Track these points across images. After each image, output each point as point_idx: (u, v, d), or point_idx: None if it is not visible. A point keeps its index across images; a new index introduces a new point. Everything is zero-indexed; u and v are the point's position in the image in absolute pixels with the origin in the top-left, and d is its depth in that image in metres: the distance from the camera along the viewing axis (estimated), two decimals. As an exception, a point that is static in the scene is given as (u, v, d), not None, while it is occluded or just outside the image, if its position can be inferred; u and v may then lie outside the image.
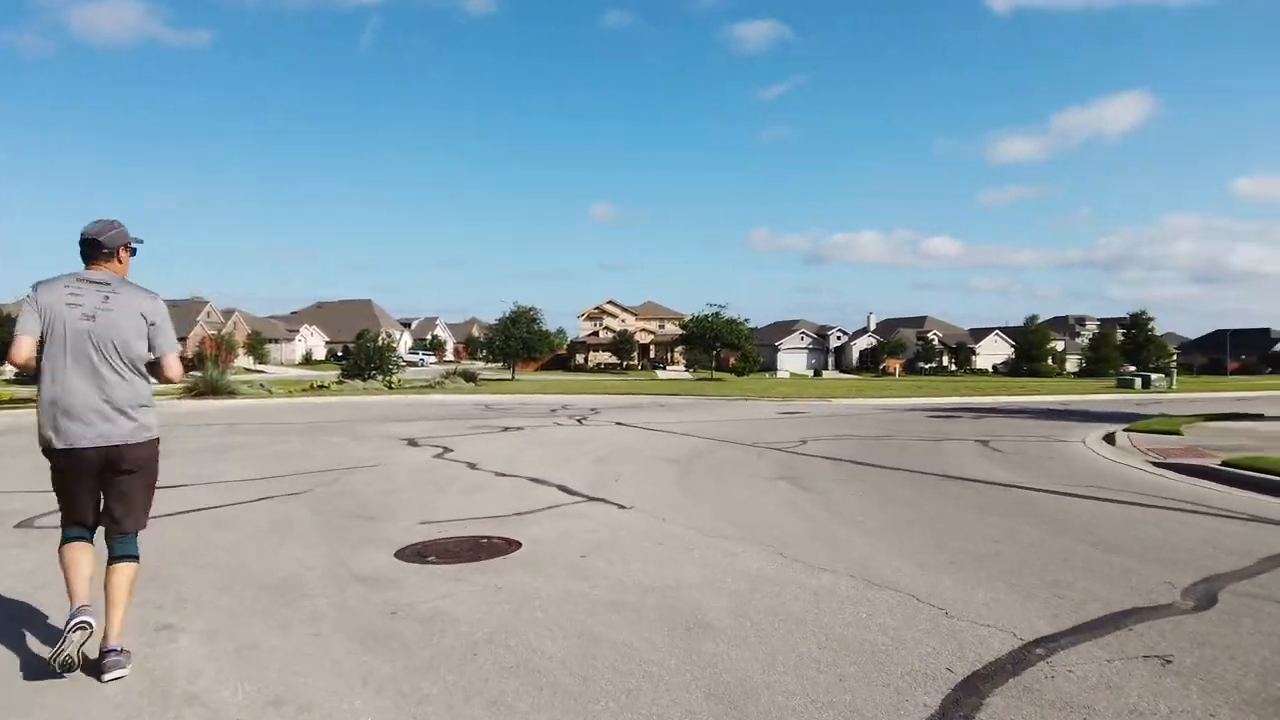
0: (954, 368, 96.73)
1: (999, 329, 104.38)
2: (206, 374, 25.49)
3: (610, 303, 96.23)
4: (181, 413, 20.58)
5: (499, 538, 6.27)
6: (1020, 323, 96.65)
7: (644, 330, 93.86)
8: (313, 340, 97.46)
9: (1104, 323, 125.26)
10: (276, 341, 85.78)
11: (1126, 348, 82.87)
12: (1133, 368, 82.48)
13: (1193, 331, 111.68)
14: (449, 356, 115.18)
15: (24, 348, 3.34)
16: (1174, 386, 36.77)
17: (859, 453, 12.43)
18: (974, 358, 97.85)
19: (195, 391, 24.95)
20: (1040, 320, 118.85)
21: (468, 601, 4.60)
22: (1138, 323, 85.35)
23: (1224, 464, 10.37)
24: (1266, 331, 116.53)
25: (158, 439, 3.64)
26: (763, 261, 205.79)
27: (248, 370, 62.73)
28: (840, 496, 8.41)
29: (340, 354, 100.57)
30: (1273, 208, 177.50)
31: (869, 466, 10.87)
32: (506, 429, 16.26)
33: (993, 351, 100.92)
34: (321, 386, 29.05)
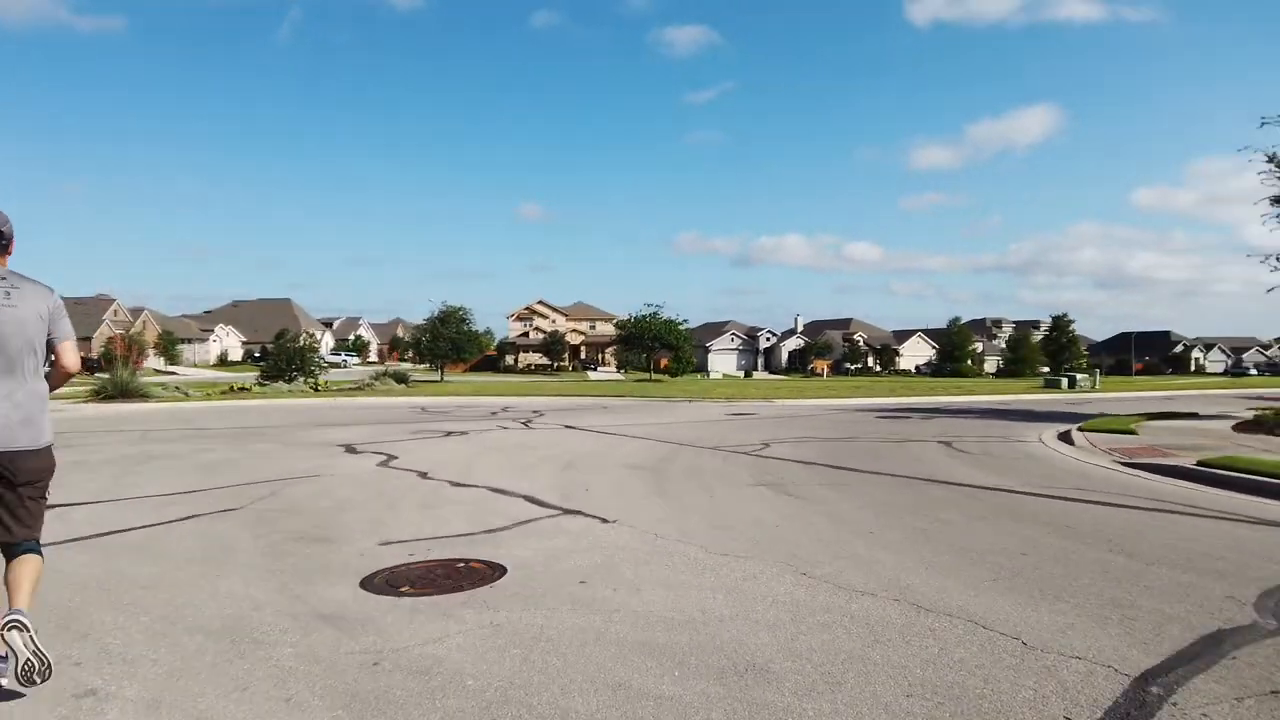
0: (878, 368, 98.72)
1: (921, 331, 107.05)
2: (115, 375, 23.63)
3: (540, 303, 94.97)
4: (88, 417, 18.92)
5: (477, 560, 5.48)
6: (939, 325, 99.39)
7: (575, 331, 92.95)
8: (228, 340, 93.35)
9: (1018, 325, 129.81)
10: (189, 342, 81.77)
11: (1049, 349, 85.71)
12: (1047, 369, 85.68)
13: (1097, 334, 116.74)
14: (373, 358, 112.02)
15: None
16: (1097, 386, 37.86)
17: (829, 455, 11.96)
18: (898, 359, 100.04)
19: (103, 394, 23.11)
20: (961, 323, 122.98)
21: (465, 646, 3.82)
22: (1059, 325, 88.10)
23: (1200, 464, 10.22)
24: (1167, 334, 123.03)
25: (51, 446, 3.37)
26: (690, 263, 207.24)
27: (158, 372, 59.46)
28: (835, 504, 7.85)
29: (258, 355, 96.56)
30: (1167, 217, 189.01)
31: (847, 470, 10.38)
32: (450, 433, 15.30)
33: (915, 353, 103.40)
34: (242, 389, 27.34)
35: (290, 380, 51.10)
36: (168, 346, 73.52)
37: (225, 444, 13.31)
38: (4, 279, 3.22)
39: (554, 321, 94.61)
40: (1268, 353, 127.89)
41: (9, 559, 3.25)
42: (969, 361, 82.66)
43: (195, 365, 77.08)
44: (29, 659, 2.96)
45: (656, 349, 48.98)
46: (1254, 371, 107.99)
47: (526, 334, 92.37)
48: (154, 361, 73.37)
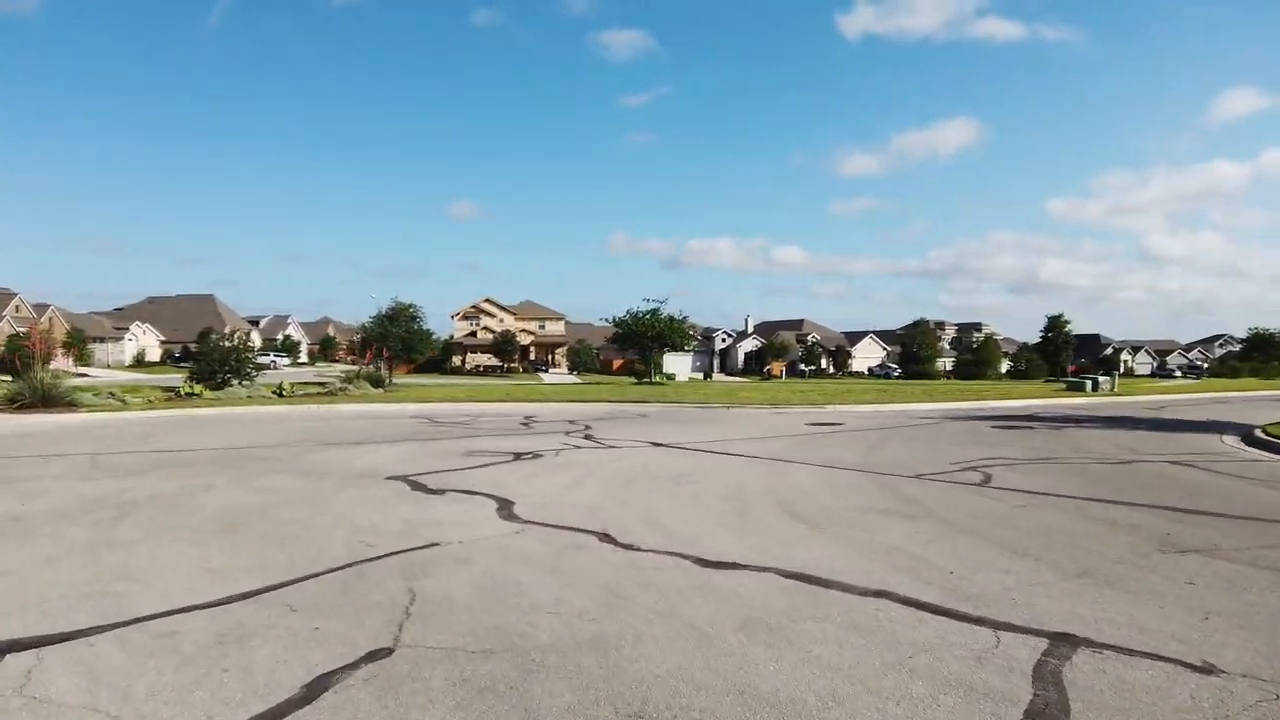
0: (832, 370, 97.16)
1: (874, 332, 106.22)
2: (34, 379, 18.88)
3: (488, 301, 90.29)
4: (7, 434, 14.39)
5: None
6: (886, 328, 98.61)
7: (524, 331, 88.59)
8: (145, 339, 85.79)
9: (960, 328, 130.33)
10: (102, 341, 74.38)
11: (1046, 350, 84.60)
12: (1005, 370, 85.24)
13: (1019, 337, 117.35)
14: (303, 358, 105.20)
15: None
16: (1115, 389, 36.01)
17: (1102, 488, 8.75)
18: (850, 360, 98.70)
19: (19, 403, 18.38)
20: (901, 326, 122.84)
21: None
22: (1056, 326, 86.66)
23: None
24: (1097, 337, 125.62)
25: None
26: (622, 264, 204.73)
27: (66, 374, 52.97)
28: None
29: (179, 355, 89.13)
30: (1077, 227, 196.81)
31: (1188, 514, 7.11)
32: (519, 455, 11.64)
33: (868, 354, 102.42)
34: (190, 393, 22.74)
35: (223, 384, 45.81)
36: (78, 346, 66.36)
37: (223, 477, 9.37)
38: None
39: (501, 321, 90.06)
40: (1189, 355, 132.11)
41: None
42: (935, 363, 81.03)
43: (109, 366, 69.97)
44: None
45: (656, 349, 44.99)
46: (1179, 374, 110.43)
47: (474, 333, 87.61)
48: (62, 362, 66.16)
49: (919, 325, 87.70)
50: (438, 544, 6.05)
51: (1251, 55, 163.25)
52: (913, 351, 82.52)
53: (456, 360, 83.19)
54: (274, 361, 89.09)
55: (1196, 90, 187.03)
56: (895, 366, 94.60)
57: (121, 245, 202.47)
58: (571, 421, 18.00)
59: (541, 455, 11.66)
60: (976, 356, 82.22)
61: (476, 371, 78.70)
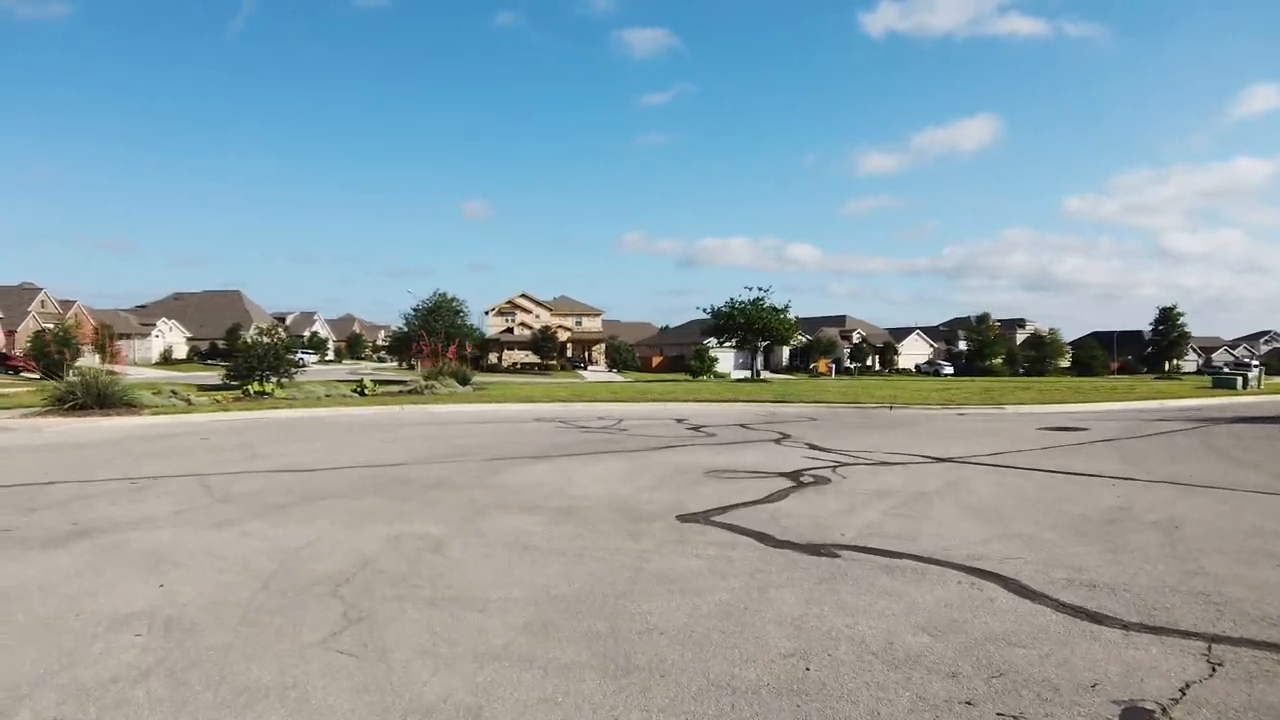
0: (878, 367, 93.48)
1: (919, 329, 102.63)
2: (90, 378, 15.76)
3: (524, 296, 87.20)
4: (69, 443, 11.25)
5: None
6: (930, 324, 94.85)
7: (561, 327, 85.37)
8: (172, 336, 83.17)
9: (1003, 324, 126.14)
10: (129, 337, 71.64)
11: (1159, 344, 78.66)
12: (1065, 365, 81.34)
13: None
14: (330, 356, 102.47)
15: None
16: (1262, 386, 32.43)
17: None
18: (896, 357, 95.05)
19: (71, 404, 15.25)
20: (943, 323, 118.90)
21: None
22: (1168, 319, 79.34)
23: None
24: (1140, 334, 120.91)
25: None
26: (635, 263, 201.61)
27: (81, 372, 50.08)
28: None
29: (206, 352, 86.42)
30: (1093, 224, 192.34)
31: None
32: (794, 478, 8.30)
33: (913, 351, 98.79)
34: (261, 393, 19.58)
35: (261, 381, 42.76)
36: (111, 340, 63.53)
37: (428, 521, 6.30)
38: None
39: (537, 316, 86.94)
40: (1234, 352, 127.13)
41: None
42: (999, 360, 76.99)
43: (136, 364, 67.21)
44: None
45: (758, 342, 40.97)
46: (1226, 370, 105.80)
47: (510, 329, 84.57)
48: (87, 360, 63.50)
49: (982, 320, 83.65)
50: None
51: (1273, 52, 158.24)
52: (973, 348, 78.32)
53: (493, 357, 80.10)
54: (302, 359, 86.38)
55: (1217, 87, 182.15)
56: (945, 363, 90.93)
57: (137, 244, 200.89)
58: (745, 426, 14.71)
59: (825, 479, 8.38)
60: (1039, 353, 78.22)
61: (514, 369, 75.55)
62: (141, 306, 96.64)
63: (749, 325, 39.88)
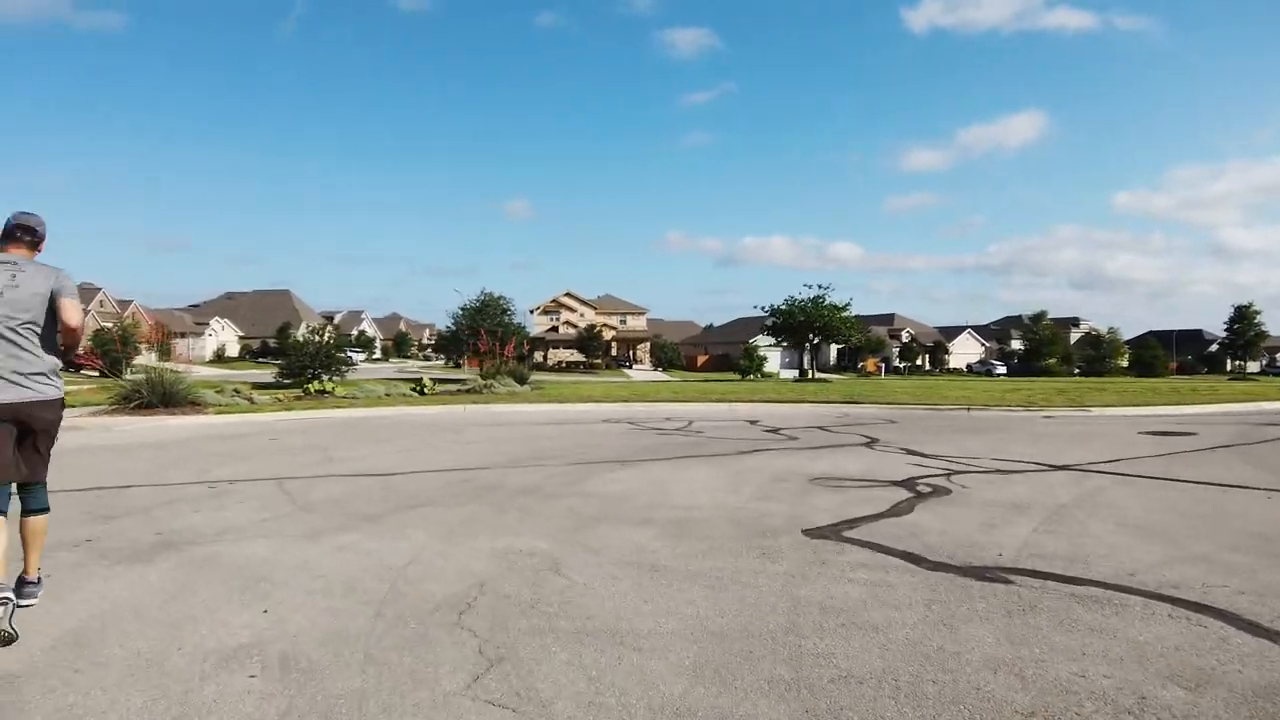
0: (928, 366, 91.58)
1: (970, 328, 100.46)
2: (155, 376, 15.61)
3: (568, 295, 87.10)
4: (137, 444, 10.98)
5: None
6: (980, 323, 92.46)
7: (606, 326, 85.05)
8: (224, 335, 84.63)
9: (1056, 323, 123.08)
10: (184, 336, 72.89)
11: (1234, 343, 75.31)
12: (1125, 366, 78.65)
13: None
14: (377, 354, 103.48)
15: None
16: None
17: None
18: (947, 356, 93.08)
19: (137, 402, 15.10)
20: (993, 321, 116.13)
21: None
22: (1245, 316, 74.82)
23: None
24: (1199, 333, 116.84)
25: (60, 401, 3.87)
26: (677, 261, 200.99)
27: (151, 369, 50.82)
28: None
29: (257, 350, 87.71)
30: (1145, 220, 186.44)
31: None
32: (910, 487, 7.65)
33: (965, 350, 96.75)
34: (322, 391, 19.36)
35: (313, 379, 42.93)
36: (163, 340, 64.69)
37: (535, 536, 5.73)
38: (15, 264, 3.70)
39: (582, 315, 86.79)
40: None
41: (24, 510, 3.81)
42: (1056, 359, 74.73)
43: (190, 362, 68.32)
44: (4, 630, 3.39)
45: (817, 341, 39.92)
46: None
47: (555, 328, 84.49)
48: (144, 358, 64.69)
49: (1038, 318, 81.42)
50: None
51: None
52: (1030, 347, 76.11)
53: (538, 356, 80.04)
54: (350, 358, 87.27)
55: (1277, 81, 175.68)
56: (998, 363, 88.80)
57: (189, 244, 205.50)
58: (823, 428, 14.03)
59: (944, 489, 7.70)
60: (1098, 352, 75.83)
61: (559, 367, 75.40)
62: (195, 306, 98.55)
63: (809, 324, 38.83)
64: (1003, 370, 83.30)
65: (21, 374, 3.68)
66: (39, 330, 3.73)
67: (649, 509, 6.68)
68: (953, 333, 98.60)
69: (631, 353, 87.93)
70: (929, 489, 7.70)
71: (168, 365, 16.94)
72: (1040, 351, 74.31)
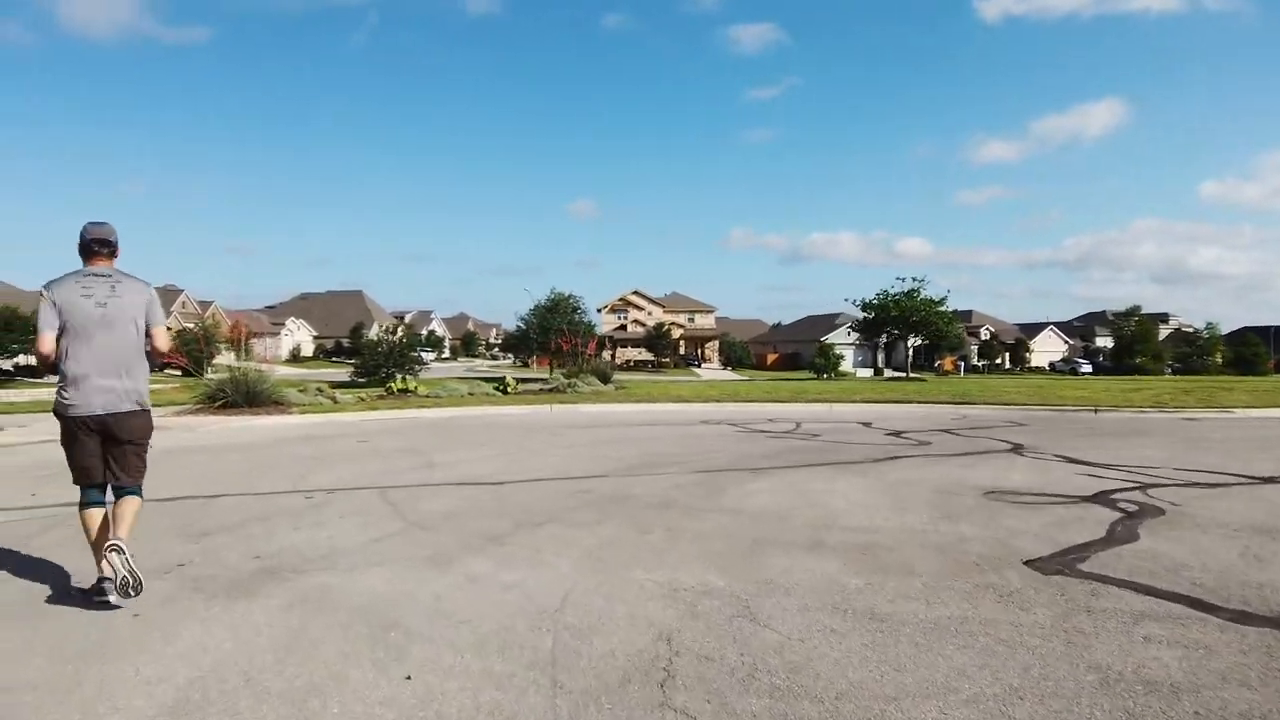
0: (1008, 365, 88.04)
1: (1052, 324, 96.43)
2: (240, 375, 15.14)
3: (636, 293, 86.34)
4: (223, 446, 10.35)
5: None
6: (1063, 319, 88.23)
7: (674, 324, 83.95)
8: (299, 335, 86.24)
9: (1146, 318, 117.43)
10: (261, 336, 74.42)
11: None
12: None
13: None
14: (446, 353, 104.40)
15: (46, 342, 3.81)
16: None
17: None
18: (1028, 355, 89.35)
19: (222, 401, 14.64)
20: (1076, 318, 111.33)
21: None
22: None
23: None
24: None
25: (149, 411, 4.08)
26: (740, 258, 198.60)
27: (230, 368, 51.67)
28: None
29: (331, 350, 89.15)
30: (1234, 211, 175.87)
31: None
32: (1132, 506, 6.42)
33: (1046, 348, 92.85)
34: (404, 390, 18.77)
35: (387, 378, 42.86)
36: (242, 341, 66.04)
37: (700, 558, 4.73)
38: (110, 276, 3.93)
39: (650, 314, 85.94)
40: None
41: (115, 499, 3.97)
42: (1151, 358, 70.80)
43: (267, 361, 69.65)
44: (125, 576, 3.65)
45: (910, 337, 37.98)
46: None
47: (623, 326, 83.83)
48: (224, 358, 66.14)
49: (1131, 313, 77.42)
50: None
51: None
52: (1121, 344, 72.33)
53: (605, 354, 79.49)
54: (421, 357, 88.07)
55: None
56: (1083, 361, 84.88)
57: (265, 247, 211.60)
58: (949, 431, 12.76)
59: (1155, 509, 6.46)
60: (1193, 349, 71.65)
61: (628, 366, 74.66)
62: (271, 307, 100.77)
63: (904, 318, 36.91)
64: (1088, 369, 79.50)
65: (116, 384, 3.93)
66: (135, 342, 3.99)
67: (816, 530, 5.62)
68: (1034, 330, 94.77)
69: (699, 351, 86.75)
70: (1134, 506, 6.48)
71: (250, 364, 16.47)
72: (1132, 349, 70.32)
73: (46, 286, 3.88)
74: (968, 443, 11.27)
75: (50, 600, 4.02)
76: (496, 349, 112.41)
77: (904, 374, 46.14)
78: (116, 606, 3.69)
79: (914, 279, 37.63)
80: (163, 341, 4.08)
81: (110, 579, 3.68)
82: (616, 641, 3.44)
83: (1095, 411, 16.51)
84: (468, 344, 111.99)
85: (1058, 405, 17.56)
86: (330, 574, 4.49)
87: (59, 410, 3.92)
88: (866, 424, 14.08)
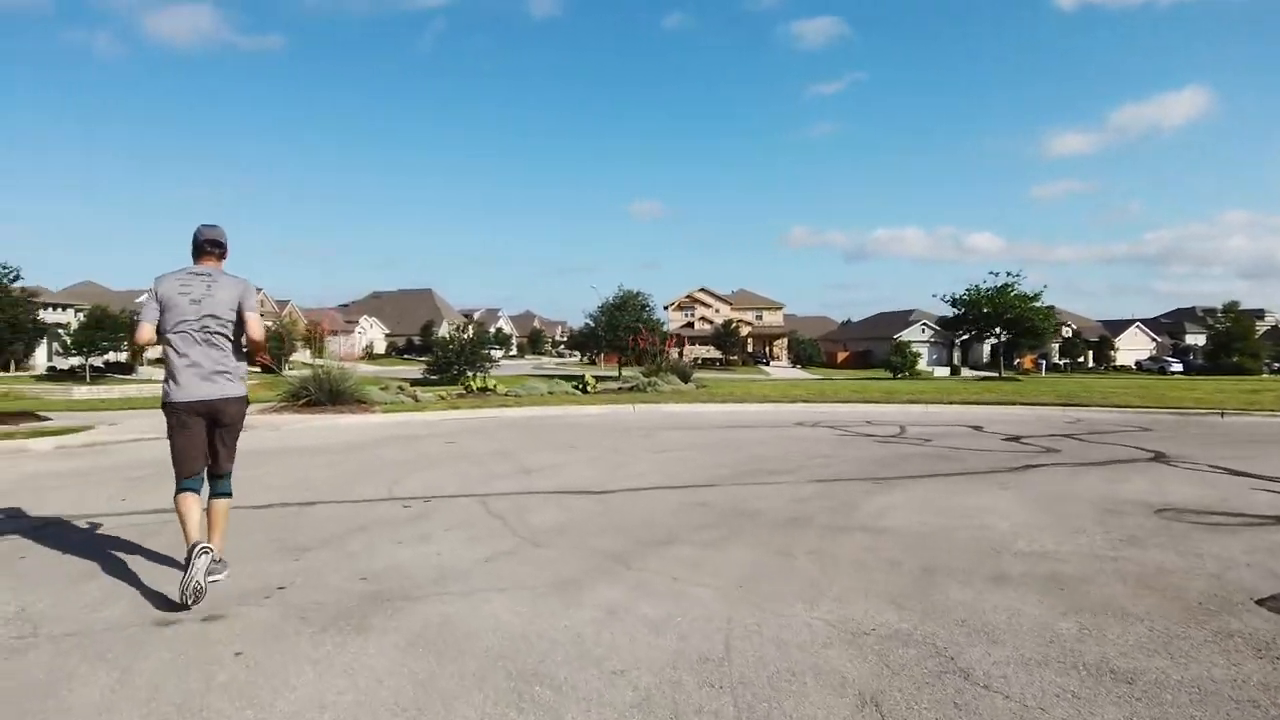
0: (1091, 364, 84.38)
1: (1140, 321, 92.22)
2: (323, 373, 14.96)
3: (703, 290, 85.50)
4: (310, 447, 10.04)
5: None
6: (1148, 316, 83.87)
7: (741, 321, 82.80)
8: (372, 332, 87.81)
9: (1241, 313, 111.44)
10: (336, 334, 75.94)
11: None
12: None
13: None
14: (513, 351, 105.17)
15: (144, 331, 4.12)
16: None
17: None
18: (1114, 353, 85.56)
19: (305, 399, 14.46)
20: (1163, 314, 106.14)
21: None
22: None
23: None
24: None
25: (245, 398, 4.29)
26: (801, 257, 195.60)
27: (306, 365, 52.70)
28: None
29: (402, 347, 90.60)
30: None
31: None
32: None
33: (1133, 346, 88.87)
34: (484, 389, 18.44)
35: (459, 375, 42.95)
36: (318, 339, 67.53)
37: (867, 589, 4.13)
38: (209, 274, 4.17)
39: (718, 311, 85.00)
40: None
41: (211, 494, 4.26)
42: (1251, 356, 66.97)
43: (341, 359, 70.92)
44: (198, 582, 3.69)
45: (1014, 336, 36.05)
46: None
47: (690, 324, 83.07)
48: (300, 355, 67.64)
49: (1229, 309, 73.37)
50: None
51: None
52: (1218, 342, 68.55)
53: (674, 353, 78.83)
54: (490, 354, 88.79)
55: None
56: (1173, 359, 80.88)
57: (340, 247, 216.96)
58: (1072, 437, 11.77)
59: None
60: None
61: (695, 364, 73.82)
62: (344, 305, 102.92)
63: (997, 315, 35.08)
64: (1178, 368, 75.70)
65: (215, 373, 4.13)
66: (230, 335, 4.18)
67: (986, 555, 4.88)
68: (1119, 327, 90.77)
69: (768, 349, 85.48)
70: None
71: (333, 362, 16.29)
72: (1229, 347, 66.53)
73: (156, 280, 4.15)
74: (1099, 449, 10.29)
75: (146, 629, 3.57)
76: (562, 346, 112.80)
77: (986, 373, 44.22)
78: (181, 605, 3.73)
79: (1007, 273, 35.70)
80: (256, 329, 4.25)
81: (204, 546, 3.83)
82: (813, 708, 2.80)
83: (1222, 415, 15.21)
84: (534, 342, 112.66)
85: (1176, 408, 16.27)
86: (447, 601, 3.95)
87: (164, 400, 4.14)
88: (976, 428, 13.13)
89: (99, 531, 5.52)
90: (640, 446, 10.39)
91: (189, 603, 3.69)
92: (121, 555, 4.85)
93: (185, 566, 3.76)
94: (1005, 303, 34.93)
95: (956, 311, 37.45)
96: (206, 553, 3.82)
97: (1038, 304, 35.91)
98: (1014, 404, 17.16)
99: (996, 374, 36.74)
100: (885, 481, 7.67)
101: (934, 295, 51.02)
